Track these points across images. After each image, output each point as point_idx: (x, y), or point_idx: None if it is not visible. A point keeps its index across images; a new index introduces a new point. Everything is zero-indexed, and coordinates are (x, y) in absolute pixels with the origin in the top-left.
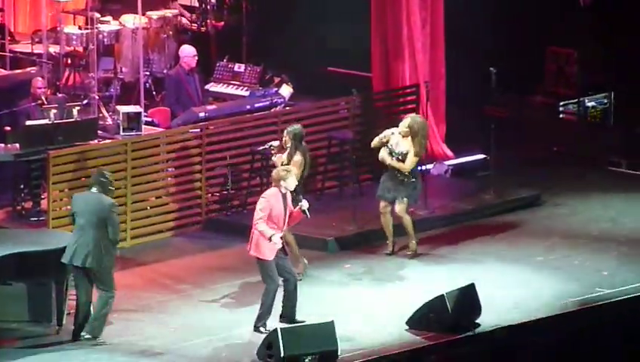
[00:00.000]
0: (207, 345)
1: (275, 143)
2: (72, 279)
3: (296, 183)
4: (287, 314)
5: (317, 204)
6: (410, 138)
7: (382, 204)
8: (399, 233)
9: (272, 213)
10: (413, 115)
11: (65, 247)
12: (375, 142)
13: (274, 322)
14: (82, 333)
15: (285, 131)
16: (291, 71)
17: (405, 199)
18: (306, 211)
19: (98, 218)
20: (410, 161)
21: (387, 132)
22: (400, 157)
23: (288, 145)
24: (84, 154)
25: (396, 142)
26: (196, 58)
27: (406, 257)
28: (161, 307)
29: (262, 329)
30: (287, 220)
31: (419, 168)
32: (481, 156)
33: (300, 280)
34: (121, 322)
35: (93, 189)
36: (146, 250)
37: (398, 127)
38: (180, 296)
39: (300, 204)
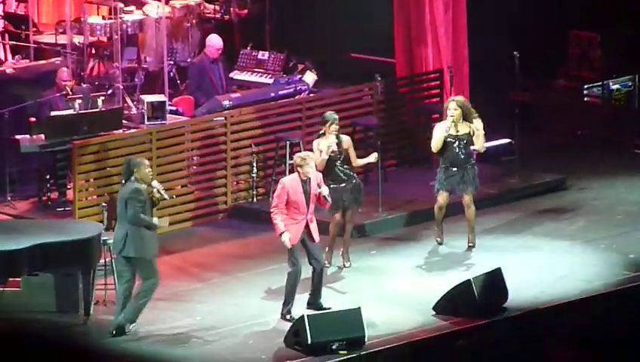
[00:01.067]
0: (234, 333)
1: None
2: (100, 268)
3: (314, 170)
4: (314, 302)
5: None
6: (463, 119)
7: (444, 196)
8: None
9: (291, 199)
10: (450, 98)
11: (91, 237)
12: (437, 142)
13: (301, 310)
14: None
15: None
16: (315, 58)
17: (473, 189)
18: (326, 197)
19: (122, 206)
20: (482, 138)
21: (442, 126)
22: (466, 141)
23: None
24: (109, 144)
25: (456, 130)
26: (220, 52)
27: (466, 249)
28: (187, 295)
29: (288, 316)
30: (311, 205)
31: None
32: (505, 141)
33: (328, 267)
34: (148, 311)
35: (123, 180)
36: (172, 239)
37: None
38: (206, 284)
39: (320, 190)
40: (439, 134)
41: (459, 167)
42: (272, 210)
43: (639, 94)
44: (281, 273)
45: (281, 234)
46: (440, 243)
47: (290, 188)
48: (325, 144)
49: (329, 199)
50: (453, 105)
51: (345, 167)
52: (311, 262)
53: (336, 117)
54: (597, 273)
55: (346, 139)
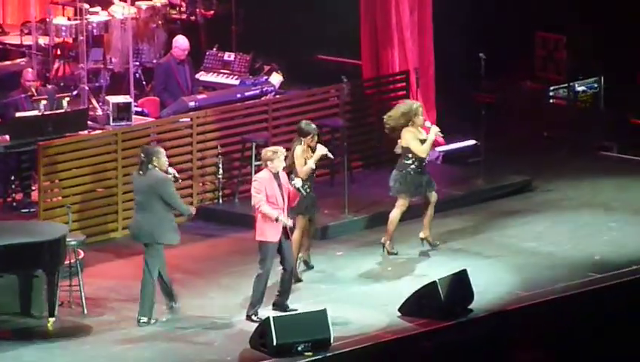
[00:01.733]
0: (199, 334)
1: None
2: (65, 270)
3: (283, 164)
4: (280, 303)
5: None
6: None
7: (405, 201)
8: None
9: (268, 193)
10: (417, 102)
11: (56, 238)
12: (427, 146)
13: (266, 311)
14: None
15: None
16: (281, 59)
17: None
18: (300, 188)
19: (149, 195)
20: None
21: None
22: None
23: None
24: (74, 145)
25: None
26: (186, 52)
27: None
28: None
29: (254, 317)
30: (286, 199)
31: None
32: (471, 142)
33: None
34: (115, 312)
35: (140, 170)
36: None
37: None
38: (173, 285)
39: (292, 182)
40: (417, 140)
41: (424, 168)
42: (258, 205)
43: (605, 96)
44: (247, 274)
45: (277, 219)
46: (395, 254)
47: (266, 182)
48: (319, 153)
49: (303, 191)
50: (422, 111)
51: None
52: (282, 262)
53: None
54: (562, 274)
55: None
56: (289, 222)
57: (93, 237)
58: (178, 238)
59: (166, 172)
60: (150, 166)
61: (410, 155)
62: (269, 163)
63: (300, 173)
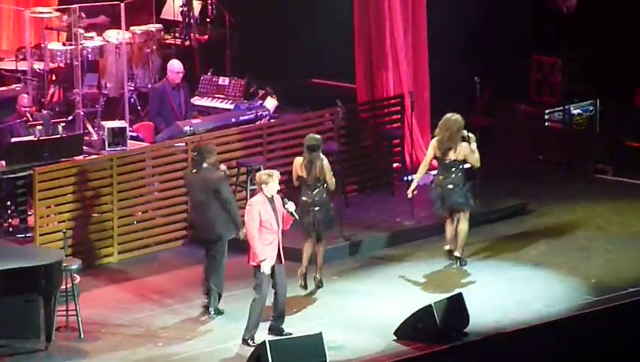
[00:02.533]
0: (195, 359)
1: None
2: (61, 295)
3: (278, 187)
4: (275, 327)
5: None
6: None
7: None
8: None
9: (262, 218)
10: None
11: (52, 263)
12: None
13: (262, 335)
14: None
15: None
16: (275, 83)
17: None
18: (293, 213)
19: (209, 192)
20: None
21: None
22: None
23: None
24: (69, 171)
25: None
26: (181, 75)
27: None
28: (149, 321)
29: (250, 342)
30: (280, 224)
31: (404, 178)
32: (467, 165)
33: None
34: (111, 337)
35: (194, 168)
36: (134, 265)
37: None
38: (167, 310)
39: (286, 206)
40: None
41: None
42: (252, 237)
43: (600, 119)
44: (242, 298)
45: (261, 262)
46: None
47: (261, 206)
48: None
49: (296, 215)
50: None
51: None
52: (275, 286)
53: None
54: (559, 298)
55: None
56: (267, 271)
57: (89, 262)
58: (235, 232)
59: (218, 169)
60: (204, 164)
61: (462, 167)
62: (263, 186)
63: (333, 184)
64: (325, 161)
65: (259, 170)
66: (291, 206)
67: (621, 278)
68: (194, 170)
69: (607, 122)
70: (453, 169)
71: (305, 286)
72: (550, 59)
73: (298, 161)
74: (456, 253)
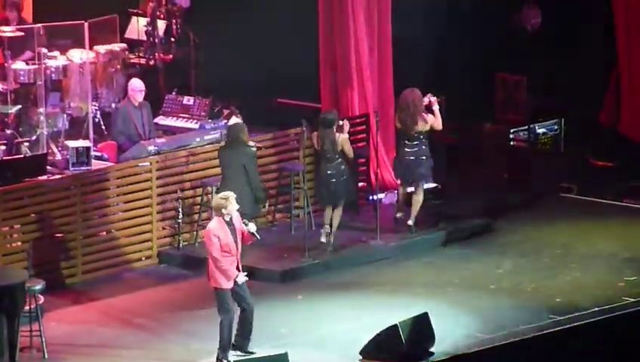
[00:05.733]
0: None
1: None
2: (25, 315)
3: (237, 206)
4: (241, 345)
5: (268, 235)
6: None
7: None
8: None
9: (222, 242)
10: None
11: (16, 284)
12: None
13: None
14: None
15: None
16: (240, 103)
17: None
18: (255, 233)
19: (240, 167)
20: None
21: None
22: None
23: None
24: (33, 191)
25: None
26: (142, 93)
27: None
28: (114, 341)
29: (224, 361)
30: (239, 245)
31: (370, 197)
32: (433, 184)
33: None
34: (76, 357)
35: (225, 143)
36: (98, 285)
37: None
38: (133, 330)
39: (247, 227)
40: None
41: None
42: (215, 262)
43: (565, 138)
44: (207, 318)
45: (236, 278)
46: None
47: (219, 231)
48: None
49: (257, 235)
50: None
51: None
52: (241, 304)
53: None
54: (524, 317)
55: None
56: (241, 280)
57: (52, 282)
58: (259, 210)
59: (247, 145)
60: (235, 141)
61: (425, 139)
62: (223, 211)
63: (351, 154)
64: (340, 136)
65: None
66: (252, 227)
67: (586, 297)
68: (227, 146)
69: (572, 141)
70: (417, 142)
71: (328, 243)
72: (515, 77)
73: (315, 134)
74: (410, 222)
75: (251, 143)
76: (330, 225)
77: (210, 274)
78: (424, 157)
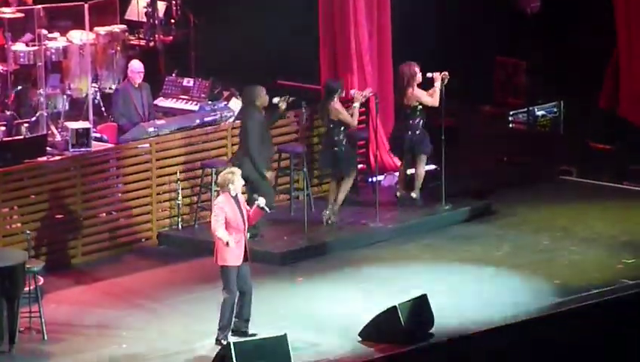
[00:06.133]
0: (162, 360)
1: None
2: (24, 297)
3: (242, 183)
4: (240, 327)
5: (268, 217)
6: None
7: None
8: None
9: (229, 219)
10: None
11: (15, 265)
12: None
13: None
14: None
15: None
16: (240, 85)
17: None
18: (265, 207)
19: None
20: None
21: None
22: None
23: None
24: (32, 172)
25: None
26: (141, 75)
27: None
28: (114, 323)
29: (223, 341)
30: (246, 221)
31: (369, 179)
32: (431, 167)
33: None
34: (75, 338)
35: (242, 107)
36: (98, 266)
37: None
38: (132, 311)
39: (255, 202)
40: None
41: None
42: (214, 229)
43: (564, 120)
44: (206, 299)
45: (228, 243)
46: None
47: (226, 205)
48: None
49: (267, 209)
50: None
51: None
52: (241, 286)
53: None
54: (523, 299)
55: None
56: (233, 244)
57: (52, 264)
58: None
59: (269, 106)
60: (249, 104)
61: (419, 113)
62: (230, 185)
63: (353, 122)
64: (335, 104)
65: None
66: (261, 201)
67: (585, 279)
68: (241, 111)
69: (571, 123)
70: (410, 116)
71: (329, 218)
72: (514, 60)
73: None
74: (414, 195)
75: (276, 100)
76: (336, 199)
77: (219, 253)
78: (417, 132)
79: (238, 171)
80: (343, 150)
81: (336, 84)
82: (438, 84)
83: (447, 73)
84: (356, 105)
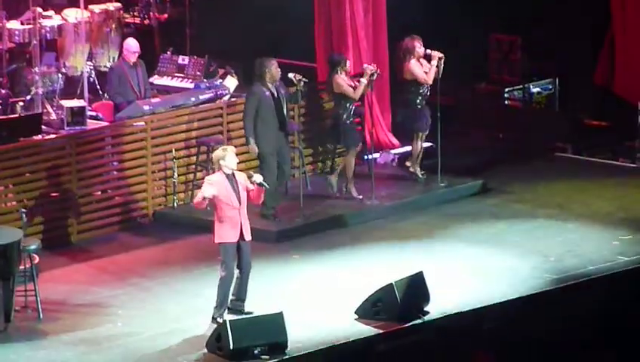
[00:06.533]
0: (155, 339)
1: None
2: (20, 275)
3: (237, 160)
4: (236, 306)
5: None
6: None
7: None
8: None
9: (222, 195)
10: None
11: (10, 243)
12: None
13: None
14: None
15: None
16: (236, 62)
17: None
18: (263, 183)
19: None
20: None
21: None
22: None
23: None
24: (27, 150)
25: None
26: (137, 54)
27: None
28: (108, 301)
29: (219, 319)
30: (244, 200)
31: (365, 157)
32: (427, 144)
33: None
34: (71, 317)
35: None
36: (94, 245)
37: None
38: (127, 289)
39: (252, 179)
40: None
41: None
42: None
43: (560, 97)
44: (202, 278)
45: (204, 197)
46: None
47: (218, 184)
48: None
49: (265, 185)
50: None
51: None
52: (240, 264)
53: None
54: (518, 276)
55: None
56: (258, 179)
57: (48, 242)
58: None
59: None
60: (257, 78)
61: (413, 89)
62: (221, 162)
63: (356, 94)
64: (337, 78)
65: None
66: (258, 177)
67: (581, 256)
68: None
69: (566, 100)
70: (408, 91)
71: (333, 188)
72: (509, 37)
73: None
74: (414, 169)
75: (290, 75)
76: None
77: (216, 231)
78: (416, 107)
79: (230, 148)
80: (340, 123)
81: (339, 56)
82: (434, 62)
83: (443, 55)
84: (363, 80)
